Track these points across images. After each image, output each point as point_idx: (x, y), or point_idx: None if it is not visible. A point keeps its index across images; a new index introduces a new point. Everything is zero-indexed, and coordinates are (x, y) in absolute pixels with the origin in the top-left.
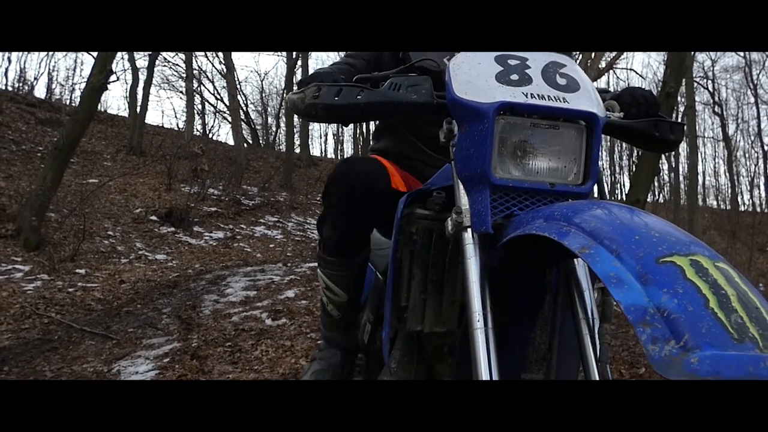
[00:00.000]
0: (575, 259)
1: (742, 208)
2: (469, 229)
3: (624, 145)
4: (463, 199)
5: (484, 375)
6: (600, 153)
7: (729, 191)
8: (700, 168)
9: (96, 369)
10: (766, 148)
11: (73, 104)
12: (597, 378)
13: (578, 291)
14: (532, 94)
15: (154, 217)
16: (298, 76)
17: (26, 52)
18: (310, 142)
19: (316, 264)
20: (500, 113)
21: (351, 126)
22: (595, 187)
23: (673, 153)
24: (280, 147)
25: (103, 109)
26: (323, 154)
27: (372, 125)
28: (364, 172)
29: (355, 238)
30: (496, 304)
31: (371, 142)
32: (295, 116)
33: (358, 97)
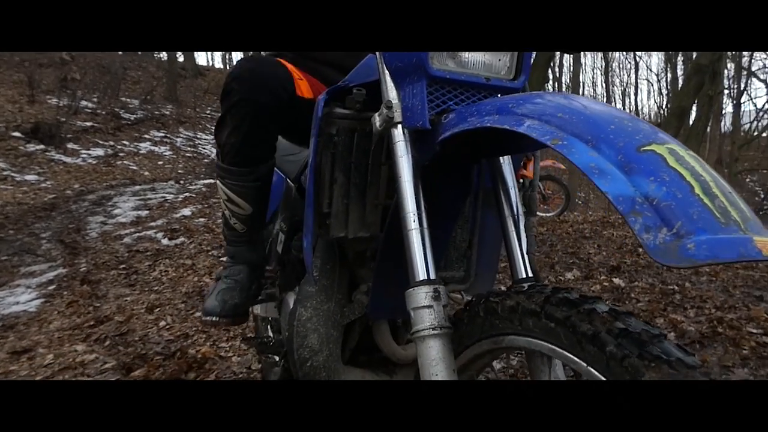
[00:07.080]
0: (502, 157)
1: None
2: (400, 126)
3: None
4: (392, 93)
5: (422, 275)
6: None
7: (604, 100)
8: (581, 78)
9: None
10: (637, 59)
11: None
12: (524, 271)
13: (504, 188)
14: None
15: (17, 134)
16: None
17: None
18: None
19: (211, 180)
20: None
21: None
22: None
23: (557, 64)
24: (161, 55)
25: None
26: (210, 63)
27: None
28: (270, 74)
29: (258, 145)
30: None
31: None
32: None
33: None
